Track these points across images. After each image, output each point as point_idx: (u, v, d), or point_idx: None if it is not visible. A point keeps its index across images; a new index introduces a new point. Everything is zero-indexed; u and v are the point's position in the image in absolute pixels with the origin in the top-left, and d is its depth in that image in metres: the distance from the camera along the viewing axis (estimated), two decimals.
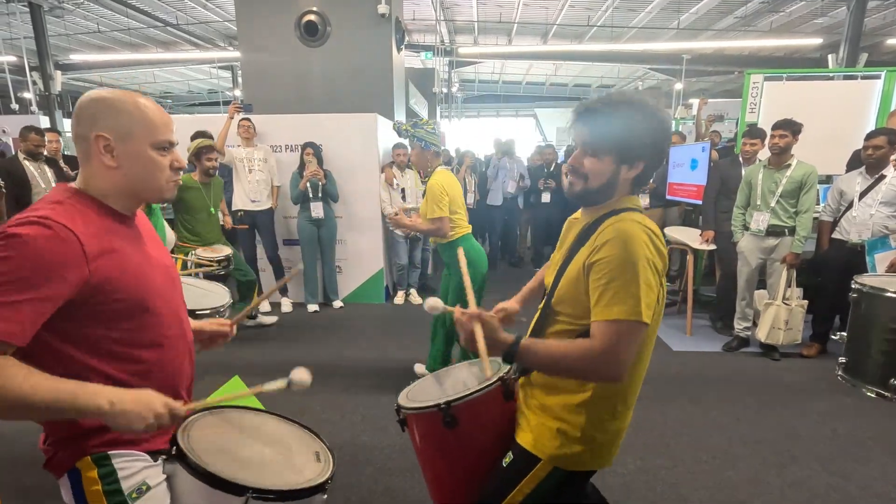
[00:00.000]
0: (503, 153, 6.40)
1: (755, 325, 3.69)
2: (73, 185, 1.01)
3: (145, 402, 0.89)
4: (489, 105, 22.45)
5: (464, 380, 1.39)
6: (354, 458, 2.38)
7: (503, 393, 1.26)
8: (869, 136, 3.32)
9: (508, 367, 1.30)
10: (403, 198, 4.73)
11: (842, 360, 3.20)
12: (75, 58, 12.88)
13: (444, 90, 14.14)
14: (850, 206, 3.38)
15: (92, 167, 0.98)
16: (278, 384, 1.00)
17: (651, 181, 5.89)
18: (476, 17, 12.04)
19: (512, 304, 1.46)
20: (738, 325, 3.76)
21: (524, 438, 1.22)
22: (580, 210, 1.25)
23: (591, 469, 1.22)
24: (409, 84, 7.72)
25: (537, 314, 1.26)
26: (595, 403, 1.15)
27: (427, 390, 1.39)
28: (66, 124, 10.95)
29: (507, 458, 1.23)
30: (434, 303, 1.28)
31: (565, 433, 1.16)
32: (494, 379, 1.24)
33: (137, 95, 1.00)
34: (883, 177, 3.26)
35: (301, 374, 1.01)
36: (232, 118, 4.31)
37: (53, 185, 4.26)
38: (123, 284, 0.95)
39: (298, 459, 1.11)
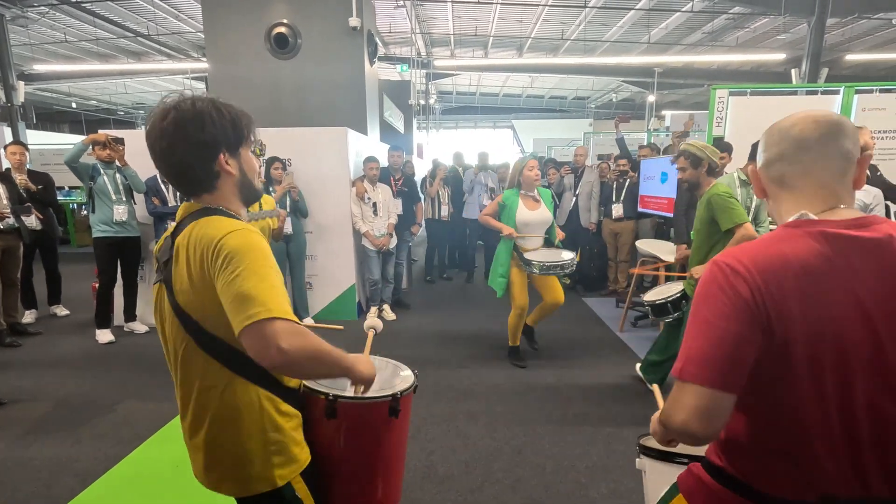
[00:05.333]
0: (480, 168, 6.42)
1: None
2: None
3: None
4: (467, 116, 22.64)
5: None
6: None
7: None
8: None
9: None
10: (375, 212, 4.64)
11: None
12: (39, 68, 12.51)
13: (422, 102, 14.17)
14: None
15: None
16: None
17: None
18: (452, 30, 12.14)
19: None
20: None
21: None
22: None
23: None
24: (383, 97, 7.69)
25: None
26: None
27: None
28: (31, 136, 10.59)
29: None
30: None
31: None
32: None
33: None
34: None
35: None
36: None
37: (5, 201, 4.06)
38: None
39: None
